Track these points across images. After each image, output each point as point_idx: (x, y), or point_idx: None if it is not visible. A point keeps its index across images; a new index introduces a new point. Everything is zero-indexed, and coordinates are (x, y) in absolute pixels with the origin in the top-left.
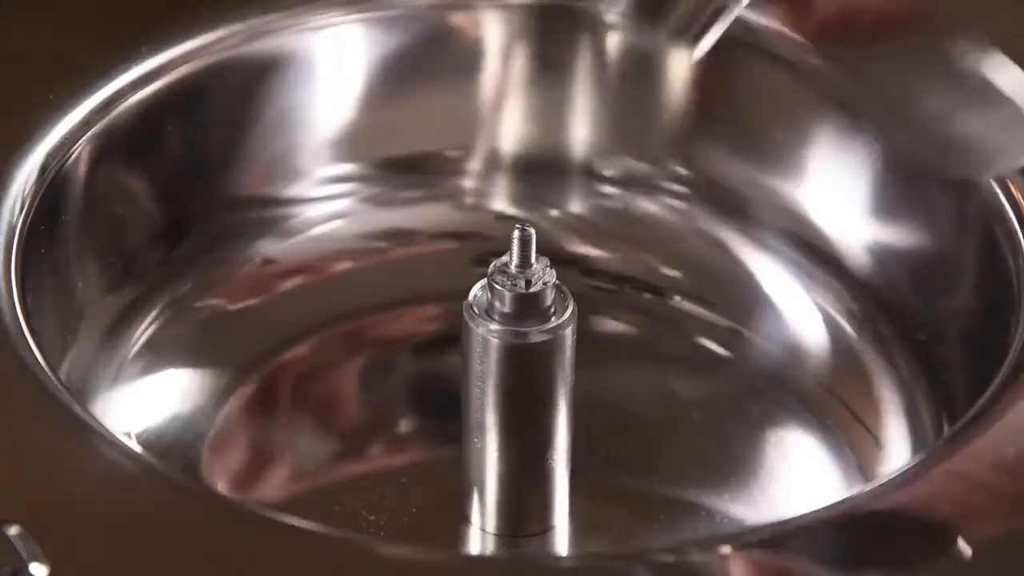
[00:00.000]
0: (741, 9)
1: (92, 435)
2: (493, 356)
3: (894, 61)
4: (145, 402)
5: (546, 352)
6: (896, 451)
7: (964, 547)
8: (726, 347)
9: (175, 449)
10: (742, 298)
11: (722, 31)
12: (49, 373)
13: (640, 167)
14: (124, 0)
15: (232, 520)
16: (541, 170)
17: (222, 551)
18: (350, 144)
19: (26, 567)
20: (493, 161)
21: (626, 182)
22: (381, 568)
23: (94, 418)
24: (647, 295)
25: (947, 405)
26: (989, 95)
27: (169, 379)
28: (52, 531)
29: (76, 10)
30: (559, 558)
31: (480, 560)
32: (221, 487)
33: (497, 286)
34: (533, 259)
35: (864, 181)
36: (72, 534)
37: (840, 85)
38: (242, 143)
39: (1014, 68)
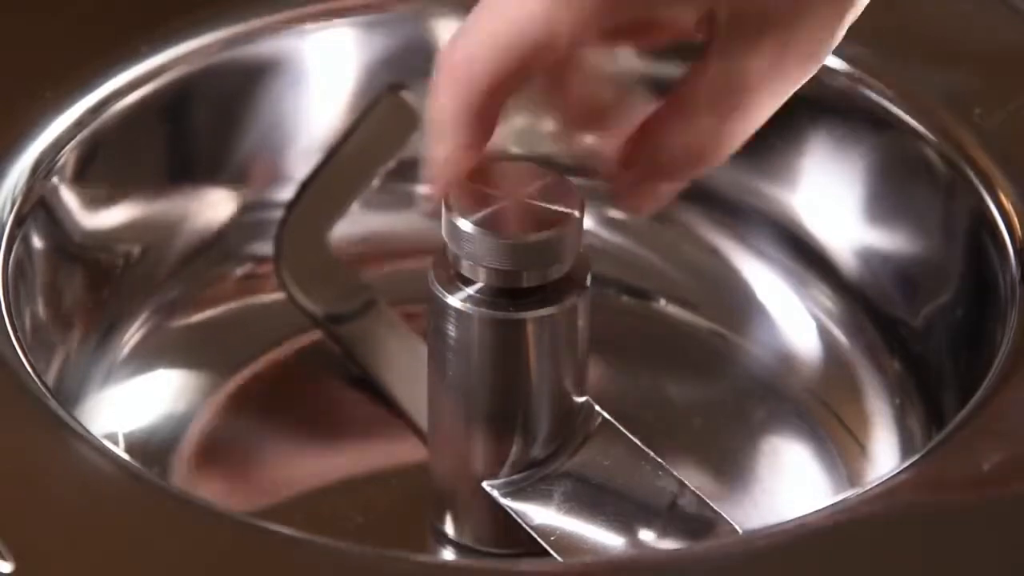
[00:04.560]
0: None
1: (70, 435)
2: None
3: None
4: (135, 404)
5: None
6: (884, 462)
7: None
8: (718, 354)
9: (164, 451)
10: (735, 305)
11: None
12: (30, 371)
13: None
14: (124, 0)
15: (202, 523)
16: None
17: (189, 553)
18: None
19: None
20: None
21: None
22: (355, 572)
23: (73, 417)
24: (639, 301)
25: (936, 416)
26: None
27: (159, 381)
28: (20, 530)
29: (76, 10)
30: (547, 564)
31: (462, 566)
32: (210, 489)
33: None
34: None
35: (858, 189)
36: (41, 533)
37: (836, 92)
38: (234, 146)
39: None
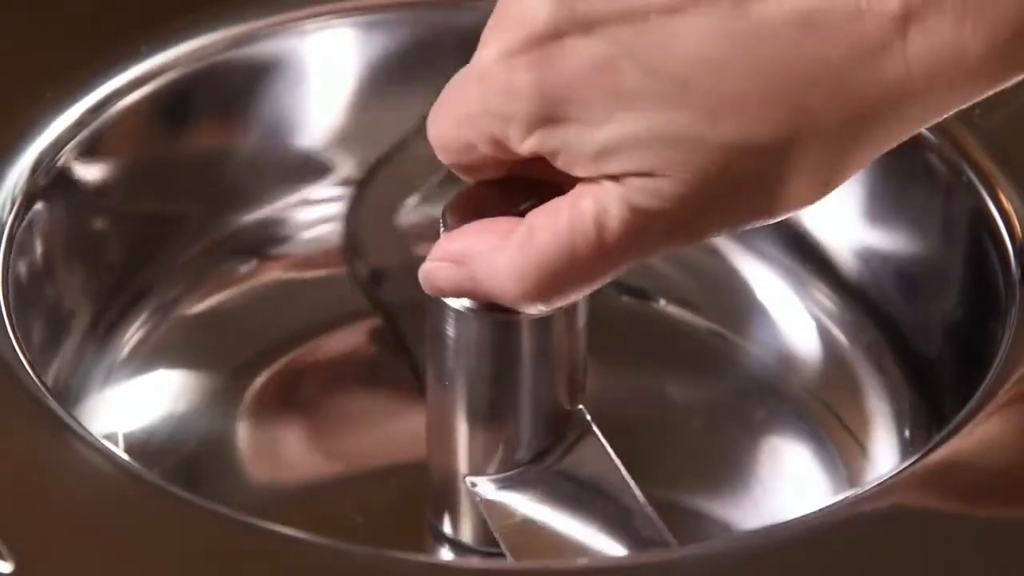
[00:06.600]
0: None
1: (70, 435)
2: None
3: None
4: (135, 404)
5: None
6: (884, 462)
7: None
8: (718, 354)
9: (165, 451)
10: (735, 305)
11: None
12: (29, 371)
13: None
14: (124, 0)
15: (202, 523)
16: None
17: (189, 553)
18: (342, 147)
19: None
20: None
21: None
22: (355, 571)
23: (73, 417)
24: (639, 301)
25: (936, 417)
26: None
27: (160, 381)
28: (21, 530)
29: (76, 10)
30: (545, 564)
31: (461, 566)
32: (211, 489)
33: None
34: None
35: (858, 189)
36: (41, 533)
37: None
38: (234, 146)
39: None
